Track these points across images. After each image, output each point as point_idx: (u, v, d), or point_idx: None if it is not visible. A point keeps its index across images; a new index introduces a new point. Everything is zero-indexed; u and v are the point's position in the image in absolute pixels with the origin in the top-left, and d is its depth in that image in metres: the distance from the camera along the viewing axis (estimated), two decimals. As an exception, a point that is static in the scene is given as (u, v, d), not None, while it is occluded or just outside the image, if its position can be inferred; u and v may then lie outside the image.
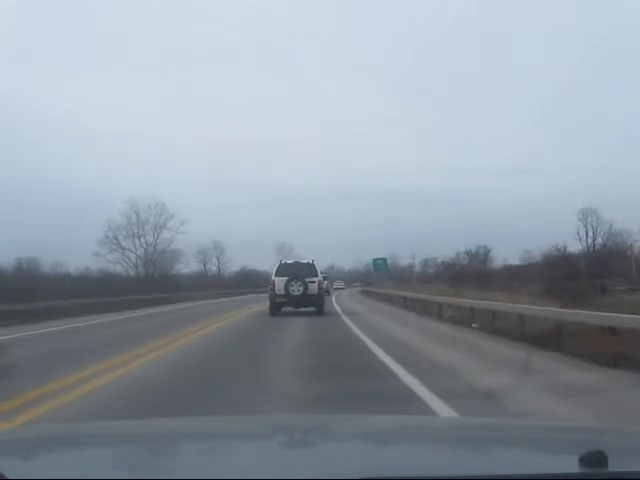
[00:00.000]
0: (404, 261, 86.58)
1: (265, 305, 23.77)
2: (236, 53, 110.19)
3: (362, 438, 2.35)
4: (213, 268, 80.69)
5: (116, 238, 57.82)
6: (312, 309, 22.59)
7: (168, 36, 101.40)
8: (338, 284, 70.12)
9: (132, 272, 57.34)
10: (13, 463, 1.89)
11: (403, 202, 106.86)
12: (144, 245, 59.38)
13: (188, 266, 67.80)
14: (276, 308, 22.49)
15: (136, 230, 59.25)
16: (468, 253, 69.48)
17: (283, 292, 22.46)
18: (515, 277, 41.35)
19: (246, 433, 2.49)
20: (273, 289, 22.72)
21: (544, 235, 79.82)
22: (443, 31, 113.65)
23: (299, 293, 22.49)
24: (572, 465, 1.58)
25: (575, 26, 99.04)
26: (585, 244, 57.72)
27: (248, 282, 68.73)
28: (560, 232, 69.28)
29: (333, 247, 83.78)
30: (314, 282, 22.76)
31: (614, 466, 1.56)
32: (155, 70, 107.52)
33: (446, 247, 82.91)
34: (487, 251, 68.40)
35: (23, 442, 2.30)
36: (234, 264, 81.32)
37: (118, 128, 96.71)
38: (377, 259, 59.26)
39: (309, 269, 23.24)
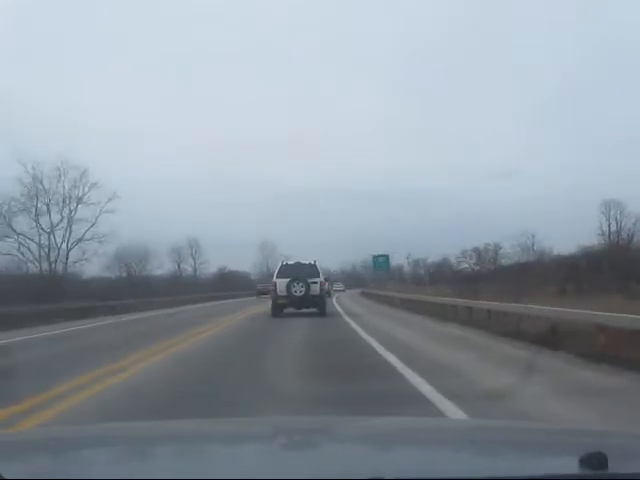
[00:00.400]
0: (393, 262, 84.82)
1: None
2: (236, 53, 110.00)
3: (365, 439, 2.35)
4: (188, 269, 72.96)
5: (4, 217, 38.52)
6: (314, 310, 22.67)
7: (168, 36, 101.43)
8: (337, 286, 65.09)
9: (34, 268, 39.67)
10: (12, 464, 1.89)
11: (393, 203, 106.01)
12: (48, 228, 39.94)
13: (162, 267, 59.97)
14: (278, 309, 22.55)
15: (38, 205, 39.66)
16: (475, 251, 62.64)
17: (285, 293, 22.51)
18: (547, 277, 34.88)
19: (249, 434, 2.49)
20: (275, 290, 22.75)
21: (544, 235, 79.22)
22: (443, 31, 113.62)
23: (301, 294, 22.52)
24: (572, 466, 1.58)
25: (575, 26, 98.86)
26: (608, 239, 51.10)
27: (228, 284, 62.97)
28: (564, 231, 69.14)
29: (319, 247, 79.36)
30: (316, 283, 22.78)
31: (614, 467, 1.57)
32: (155, 70, 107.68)
33: (439, 248, 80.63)
34: (498, 249, 61.76)
35: (22, 443, 2.30)
36: (211, 265, 73.77)
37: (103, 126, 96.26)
38: (377, 256, 52.97)
39: (311, 270, 23.24)
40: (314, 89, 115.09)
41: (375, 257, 53.37)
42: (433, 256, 71.23)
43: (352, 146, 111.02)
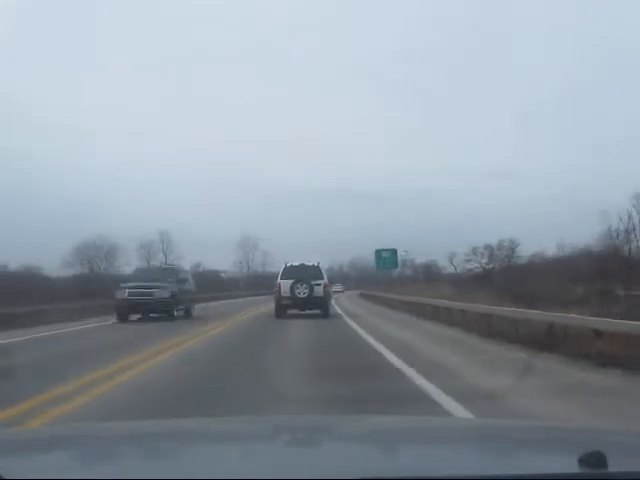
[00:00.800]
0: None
1: None
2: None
3: (364, 438, 2.35)
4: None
5: None
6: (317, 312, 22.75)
7: (168, 36, 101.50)
8: (337, 287, 60.35)
9: None
10: (12, 463, 1.89)
11: (381, 203, 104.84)
12: None
13: (130, 263, 52.50)
14: (282, 310, 22.72)
15: None
16: (487, 248, 55.47)
17: (289, 294, 22.70)
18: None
19: (248, 433, 2.50)
20: (279, 291, 22.94)
21: (541, 235, 78.14)
22: (443, 31, 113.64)
23: (305, 296, 22.67)
24: (571, 465, 1.58)
25: (575, 26, 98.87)
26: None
27: (203, 285, 51.27)
28: (562, 232, 68.35)
29: (305, 246, 73.73)
30: (320, 285, 22.93)
31: (613, 466, 1.57)
32: (155, 70, 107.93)
33: (430, 248, 77.10)
34: (514, 245, 54.33)
35: (23, 442, 2.30)
36: (185, 262, 64.74)
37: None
38: (382, 250, 42.81)
39: (315, 272, 23.41)
40: (314, 89, 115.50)
41: (379, 252, 43.06)
42: (422, 256, 68.36)
43: (336, 145, 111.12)
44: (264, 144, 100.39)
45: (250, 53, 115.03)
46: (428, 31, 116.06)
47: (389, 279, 49.57)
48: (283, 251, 59.14)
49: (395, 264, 43.86)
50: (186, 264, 61.06)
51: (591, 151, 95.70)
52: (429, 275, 59.88)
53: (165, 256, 65.72)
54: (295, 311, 22.82)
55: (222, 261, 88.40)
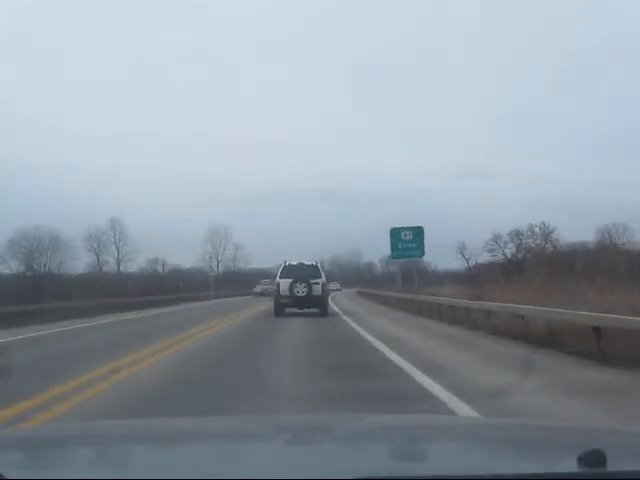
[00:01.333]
0: (364, 259, 78.66)
1: None
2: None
3: (364, 438, 2.35)
4: (111, 260, 58.11)
5: None
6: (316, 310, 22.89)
7: (170, 36, 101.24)
8: (334, 285, 58.99)
9: None
10: (13, 463, 1.90)
11: (360, 201, 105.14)
12: None
13: (77, 258, 48.45)
14: (280, 309, 22.94)
15: None
16: (513, 233, 49.68)
17: (288, 293, 22.92)
18: None
19: (248, 433, 2.50)
20: (278, 290, 23.17)
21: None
22: (442, 32, 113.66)
23: (303, 294, 22.90)
24: (571, 465, 1.58)
25: (574, 25, 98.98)
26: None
27: (158, 284, 43.84)
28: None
29: (284, 246, 67.07)
30: (318, 283, 23.15)
31: (613, 465, 1.56)
32: (158, 70, 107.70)
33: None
34: (549, 230, 48.84)
35: (23, 442, 2.30)
36: (142, 256, 58.39)
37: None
38: (400, 229, 30.83)
39: (313, 271, 23.64)
40: (312, 89, 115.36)
41: (396, 231, 30.87)
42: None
43: (318, 144, 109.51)
44: (240, 144, 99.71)
45: (250, 54, 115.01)
46: (424, 33, 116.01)
47: (370, 277, 44.09)
48: (260, 249, 55.43)
49: (421, 250, 31.57)
50: (141, 259, 54.73)
51: (589, 151, 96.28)
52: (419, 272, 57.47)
53: (118, 250, 57.76)
54: (293, 309, 22.93)
55: (188, 257, 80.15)
